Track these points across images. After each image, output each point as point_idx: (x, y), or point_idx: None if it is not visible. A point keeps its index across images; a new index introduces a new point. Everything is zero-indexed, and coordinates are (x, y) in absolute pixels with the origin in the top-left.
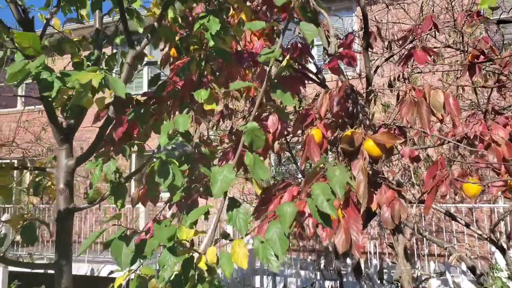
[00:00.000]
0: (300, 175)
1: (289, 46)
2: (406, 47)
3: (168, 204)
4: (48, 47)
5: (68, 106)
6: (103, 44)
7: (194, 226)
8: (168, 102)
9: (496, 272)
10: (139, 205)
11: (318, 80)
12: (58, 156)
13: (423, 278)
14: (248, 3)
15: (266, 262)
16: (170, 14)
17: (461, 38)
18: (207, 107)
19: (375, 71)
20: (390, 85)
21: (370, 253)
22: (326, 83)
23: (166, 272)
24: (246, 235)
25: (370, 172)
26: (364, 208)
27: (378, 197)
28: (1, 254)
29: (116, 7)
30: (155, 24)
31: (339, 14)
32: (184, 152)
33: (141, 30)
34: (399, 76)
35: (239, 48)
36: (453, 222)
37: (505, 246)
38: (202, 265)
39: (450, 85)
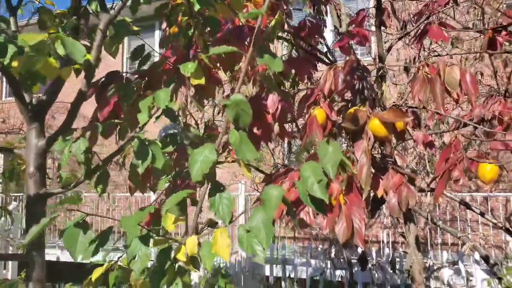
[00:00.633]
0: None
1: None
2: (421, 25)
3: (155, 192)
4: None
5: (22, 73)
6: (81, 13)
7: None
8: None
9: (510, 262)
10: (151, 193)
11: (328, 62)
12: (27, 136)
13: (435, 268)
14: None
15: (250, 252)
16: None
17: (481, 15)
18: (194, 82)
19: (389, 51)
20: (406, 69)
21: (383, 242)
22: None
23: (136, 264)
24: (230, 222)
25: (378, 156)
26: (367, 194)
27: (385, 182)
28: None
29: None
30: None
31: None
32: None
33: None
34: (414, 58)
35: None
36: (467, 211)
37: None
38: (181, 257)
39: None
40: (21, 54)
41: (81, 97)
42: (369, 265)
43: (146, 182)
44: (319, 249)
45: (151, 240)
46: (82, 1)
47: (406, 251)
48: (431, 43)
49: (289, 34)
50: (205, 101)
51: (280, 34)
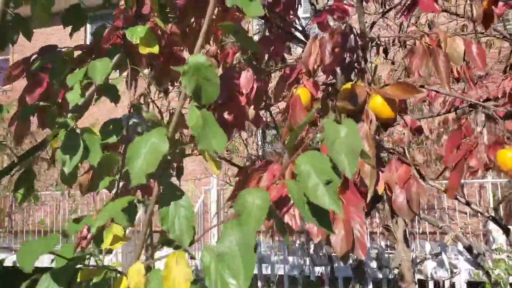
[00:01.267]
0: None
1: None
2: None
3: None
4: None
5: None
6: None
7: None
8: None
9: (497, 253)
10: None
11: (305, 40)
12: None
13: (418, 260)
14: None
15: None
16: None
17: None
18: (144, 50)
19: (371, 28)
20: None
21: None
22: None
23: None
24: (191, 244)
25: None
26: (372, 192)
27: (387, 175)
28: None
29: None
30: None
31: None
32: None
33: None
34: (394, 40)
35: None
36: (445, 199)
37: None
38: None
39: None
40: None
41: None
42: (350, 261)
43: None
44: (296, 244)
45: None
46: None
47: (388, 244)
48: (408, 26)
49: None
50: (170, 87)
51: None
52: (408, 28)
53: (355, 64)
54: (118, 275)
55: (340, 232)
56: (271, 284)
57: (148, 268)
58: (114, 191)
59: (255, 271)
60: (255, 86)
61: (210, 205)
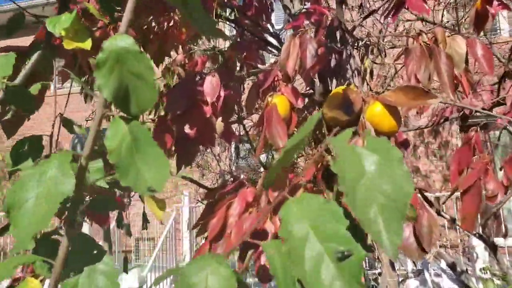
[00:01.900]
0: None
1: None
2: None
3: None
4: None
5: None
6: None
7: None
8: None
9: (484, 273)
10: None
11: (280, 47)
12: None
13: (400, 279)
14: None
15: None
16: None
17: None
18: (69, 45)
19: (353, 31)
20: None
21: None
22: None
23: None
24: None
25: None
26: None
27: None
28: None
29: None
30: None
31: None
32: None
33: None
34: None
35: None
36: None
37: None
38: None
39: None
40: None
41: None
42: None
43: None
44: None
45: None
46: None
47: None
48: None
49: (234, 13)
50: None
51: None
52: (387, 35)
53: (347, 66)
54: None
55: None
56: None
57: None
58: None
59: None
60: (222, 94)
61: (182, 224)
